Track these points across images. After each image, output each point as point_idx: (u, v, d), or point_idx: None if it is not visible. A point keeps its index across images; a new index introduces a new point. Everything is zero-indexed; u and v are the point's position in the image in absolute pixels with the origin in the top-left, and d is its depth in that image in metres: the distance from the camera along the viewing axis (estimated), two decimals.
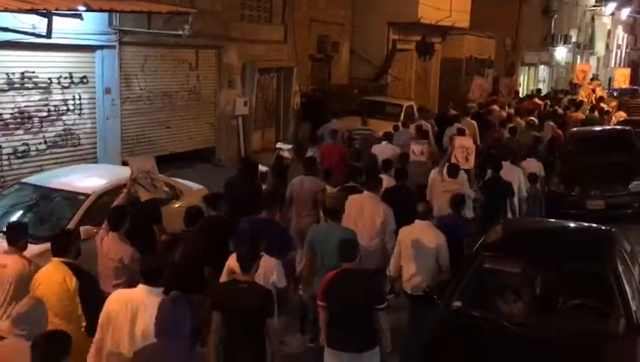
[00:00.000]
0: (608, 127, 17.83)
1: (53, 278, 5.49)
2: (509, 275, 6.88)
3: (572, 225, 8.33)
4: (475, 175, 11.60)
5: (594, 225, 8.16)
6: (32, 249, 7.13)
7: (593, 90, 25.88)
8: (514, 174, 10.55)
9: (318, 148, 11.68)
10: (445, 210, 8.36)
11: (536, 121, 16.95)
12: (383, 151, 11.90)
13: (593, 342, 5.89)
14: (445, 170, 9.80)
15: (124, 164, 10.51)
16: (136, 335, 4.67)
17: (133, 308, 4.72)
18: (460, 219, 8.11)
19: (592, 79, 28.13)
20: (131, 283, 5.36)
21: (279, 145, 13.17)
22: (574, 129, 16.37)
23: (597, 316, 6.36)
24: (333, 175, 9.45)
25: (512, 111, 18.92)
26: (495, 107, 19.81)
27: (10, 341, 4.43)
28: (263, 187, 9.07)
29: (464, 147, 10.87)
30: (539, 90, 30.01)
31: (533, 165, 11.66)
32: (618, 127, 17.51)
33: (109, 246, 6.42)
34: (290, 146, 12.94)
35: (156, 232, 6.89)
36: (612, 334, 6.05)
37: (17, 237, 6.05)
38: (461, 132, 13.74)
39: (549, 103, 23.11)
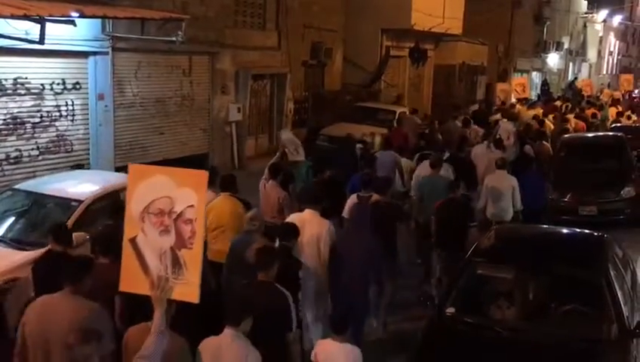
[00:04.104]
0: (601, 134, 17.92)
1: (226, 206, 7.61)
2: (502, 281, 6.89)
3: (564, 231, 8.37)
4: None
5: (586, 231, 8.17)
6: (26, 255, 7.12)
7: (617, 100, 27.80)
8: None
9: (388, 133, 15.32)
10: (489, 171, 11.16)
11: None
12: None
13: (585, 347, 5.91)
14: (492, 145, 12.93)
15: (118, 169, 10.53)
16: (304, 241, 6.89)
17: (305, 223, 7.00)
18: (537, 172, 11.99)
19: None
20: (283, 215, 8.10)
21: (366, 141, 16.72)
22: (566, 135, 16.47)
23: (589, 321, 6.37)
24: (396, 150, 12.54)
25: (541, 111, 21.61)
26: (518, 105, 23.26)
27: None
28: None
29: (507, 130, 14.95)
30: (558, 96, 31.99)
31: (545, 146, 14.88)
32: (610, 133, 17.61)
33: (270, 190, 9.04)
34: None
35: (289, 190, 9.37)
36: (604, 339, 6.06)
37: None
38: None
39: (569, 106, 24.77)
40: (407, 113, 20.04)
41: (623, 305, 6.23)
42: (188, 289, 4.49)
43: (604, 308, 6.27)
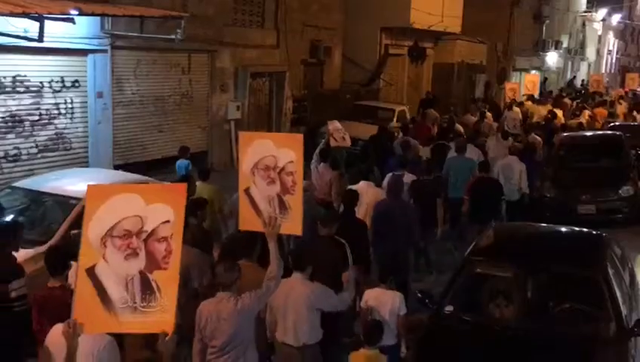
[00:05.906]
0: (599, 133, 17.94)
1: None
2: (500, 280, 6.89)
3: (563, 229, 8.37)
4: None
5: (585, 229, 8.18)
6: (25, 253, 7.10)
7: (621, 97, 28.45)
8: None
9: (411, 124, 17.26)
10: (500, 158, 12.69)
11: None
12: None
13: (584, 346, 5.92)
14: (500, 135, 15.02)
15: (116, 167, 10.53)
16: (361, 207, 8.27)
17: (362, 192, 8.29)
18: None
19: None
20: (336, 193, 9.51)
21: (392, 124, 18.12)
22: (565, 134, 16.49)
23: (588, 320, 6.38)
24: (420, 140, 14.48)
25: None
26: (528, 102, 24.11)
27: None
28: None
29: (514, 119, 17.36)
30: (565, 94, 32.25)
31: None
32: (609, 132, 17.61)
33: (323, 171, 10.66)
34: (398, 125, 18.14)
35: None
36: (602, 338, 6.08)
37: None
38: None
39: (578, 103, 25.54)
40: (406, 111, 20.21)
41: (621, 304, 6.24)
42: (292, 224, 5.69)
43: (602, 306, 6.29)
